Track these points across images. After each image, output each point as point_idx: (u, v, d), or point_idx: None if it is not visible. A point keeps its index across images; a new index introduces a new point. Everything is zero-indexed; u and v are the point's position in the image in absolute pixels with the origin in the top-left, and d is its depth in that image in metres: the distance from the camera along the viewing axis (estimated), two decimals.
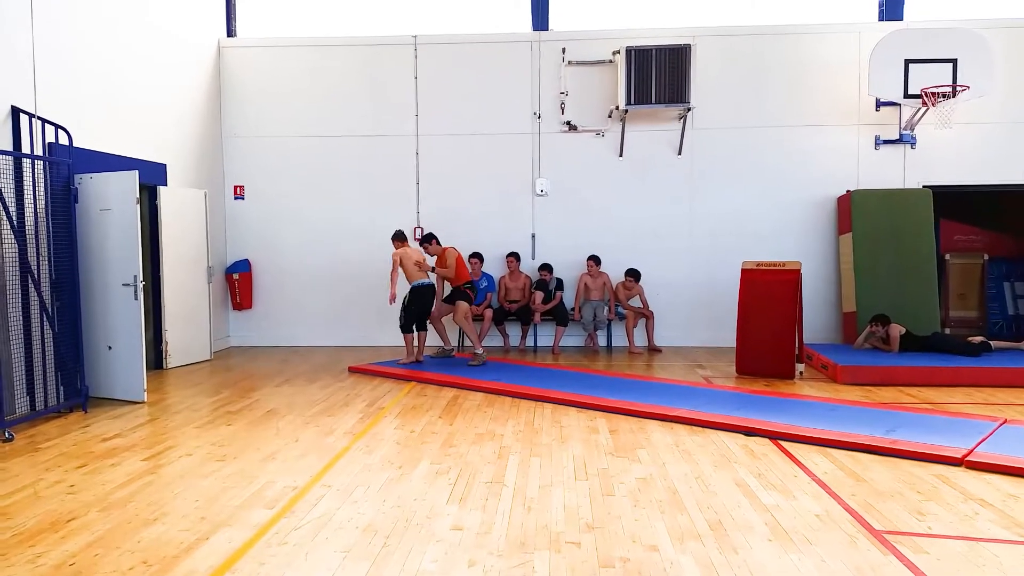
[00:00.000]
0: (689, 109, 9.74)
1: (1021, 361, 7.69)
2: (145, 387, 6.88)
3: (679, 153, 10.14)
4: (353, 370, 8.45)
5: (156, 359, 8.68)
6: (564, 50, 10.18)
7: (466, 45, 10.33)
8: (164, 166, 8.92)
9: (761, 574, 3.24)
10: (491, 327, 10.03)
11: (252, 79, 10.56)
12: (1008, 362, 7.61)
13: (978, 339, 8.15)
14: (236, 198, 10.65)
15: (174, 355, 8.81)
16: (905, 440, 5.18)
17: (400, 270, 8.59)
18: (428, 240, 8.86)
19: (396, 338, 9.99)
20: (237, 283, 10.46)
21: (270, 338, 10.61)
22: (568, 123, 10.26)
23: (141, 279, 6.86)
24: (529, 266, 10.32)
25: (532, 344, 10.25)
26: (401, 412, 6.38)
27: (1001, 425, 5.60)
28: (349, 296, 10.50)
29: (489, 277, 10.14)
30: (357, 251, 10.40)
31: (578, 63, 10.19)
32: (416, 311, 8.65)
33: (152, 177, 8.62)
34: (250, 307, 10.61)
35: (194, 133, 9.85)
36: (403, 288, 8.82)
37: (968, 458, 4.79)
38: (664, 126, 10.12)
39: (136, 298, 6.82)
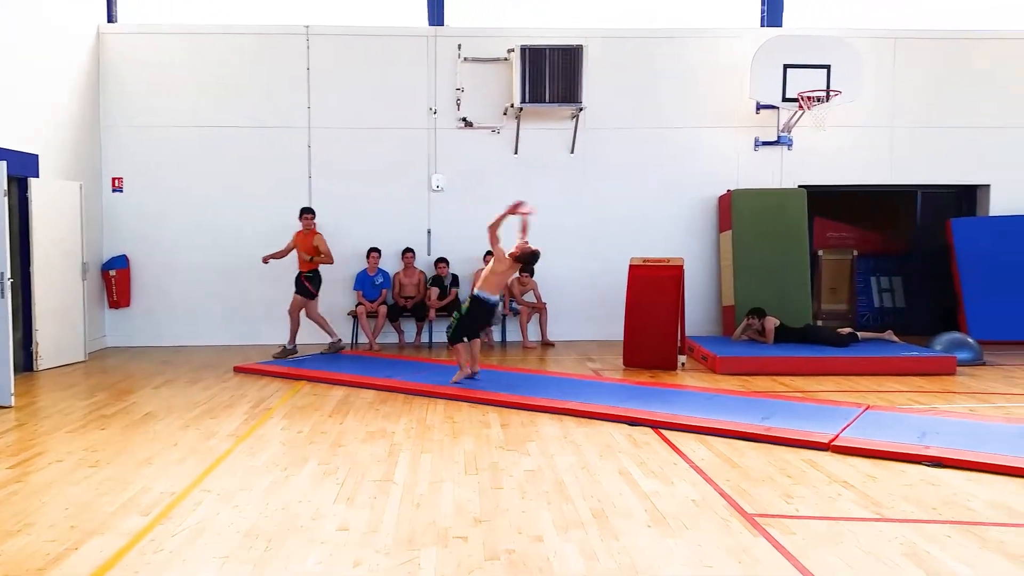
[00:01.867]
0: (581, 109, 9.94)
1: (884, 351, 8.27)
2: (12, 390, 6.46)
3: (572, 152, 10.33)
4: (239, 370, 8.20)
5: (26, 361, 8.16)
6: (460, 46, 10.19)
7: (360, 38, 10.18)
8: (36, 157, 8.38)
9: (640, 559, 3.37)
10: (385, 324, 9.94)
11: (134, 67, 10.06)
12: (872, 352, 8.17)
13: (846, 330, 8.71)
14: (114, 191, 10.13)
15: (45, 356, 8.31)
16: (777, 427, 5.48)
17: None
18: (311, 212, 9.10)
19: (286, 336, 9.74)
20: (114, 280, 9.95)
21: (150, 338, 10.15)
22: (464, 119, 10.28)
23: (9, 276, 6.45)
24: (425, 262, 10.29)
25: (427, 340, 10.23)
26: (289, 412, 6.25)
27: (864, 411, 6.01)
28: (236, 293, 10.15)
29: (384, 273, 10.05)
30: (245, 246, 10.04)
31: (474, 60, 10.22)
32: (471, 323, 7.21)
33: (22, 168, 8.09)
34: (128, 305, 10.12)
35: (70, 122, 9.30)
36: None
37: (834, 443, 5.12)
38: (558, 125, 10.28)
39: (3, 296, 6.39)
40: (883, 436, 5.22)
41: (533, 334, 10.16)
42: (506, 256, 7.14)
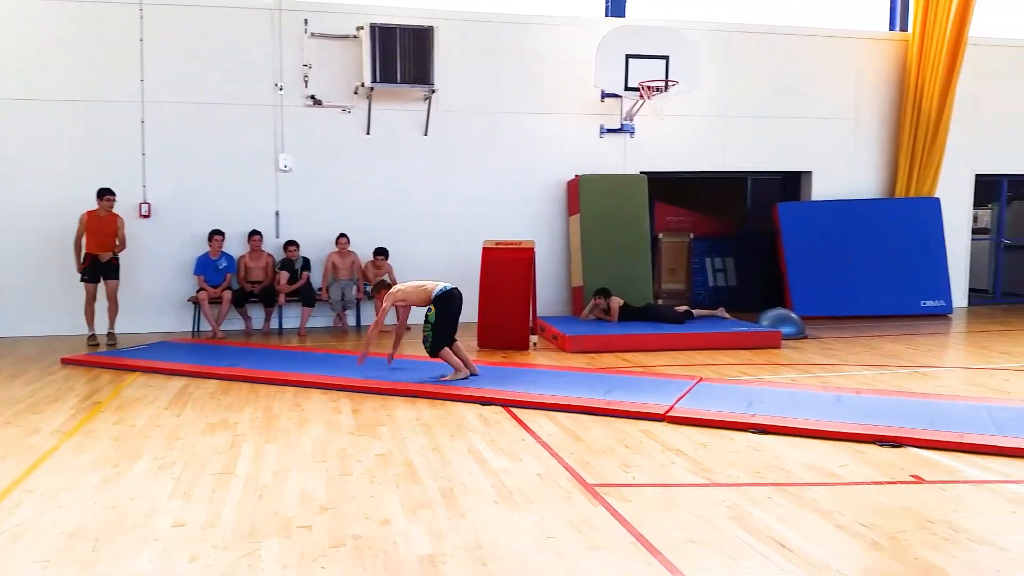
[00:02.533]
0: (434, 91, 9.89)
1: (717, 327, 8.84)
2: None
3: (426, 134, 10.28)
4: (67, 361, 7.62)
5: None
6: (307, 21, 9.86)
7: (199, 8, 9.62)
8: None
9: (485, 535, 3.45)
10: (231, 309, 9.54)
11: None
12: (706, 328, 8.72)
13: (683, 308, 9.24)
14: None
15: None
16: (619, 400, 5.75)
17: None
18: (112, 193, 8.80)
19: (120, 325, 9.15)
20: None
21: None
22: (312, 97, 9.98)
23: None
24: (274, 245, 9.94)
25: (277, 327, 9.91)
26: (121, 406, 5.88)
27: (697, 383, 6.41)
28: (63, 279, 9.36)
29: (228, 257, 9.61)
30: (71, 228, 9.28)
31: (321, 36, 9.92)
32: (446, 327, 6.62)
33: None
34: None
35: None
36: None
37: (669, 414, 5.43)
38: (411, 106, 10.19)
39: None
40: (714, 406, 5.60)
41: (389, 317, 10.04)
42: (399, 291, 6.89)
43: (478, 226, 10.25)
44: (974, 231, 12.25)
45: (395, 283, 9.88)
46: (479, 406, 5.82)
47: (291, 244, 9.70)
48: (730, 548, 3.33)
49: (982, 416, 5.29)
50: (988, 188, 12.29)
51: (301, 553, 3.26)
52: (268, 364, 7.27)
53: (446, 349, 6.56)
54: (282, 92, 9.92)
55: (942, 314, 10.81)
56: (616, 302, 9.18)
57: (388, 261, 9.90)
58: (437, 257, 10.33)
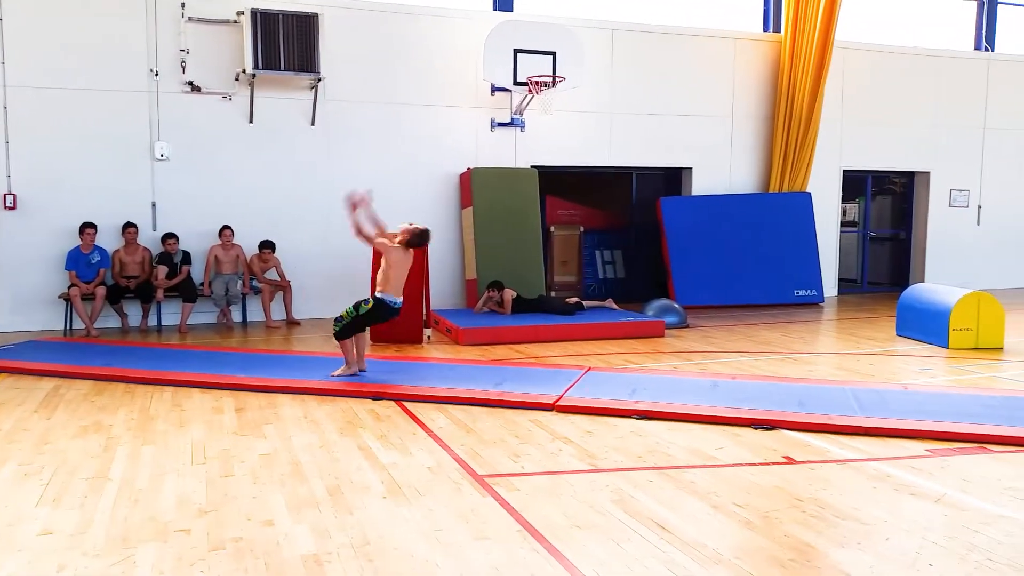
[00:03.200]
0: (320, 79, 9.67)
1: (606, 317, 9.08)
2: None
3: (313, 123, 10.03)
4: None
5: None
6: (183, 4, 9.42)
7: None
8: None
9: (372, 531, 3.43)
10: (105, 306, 9.04)
11: None
12: (596, 318, 8.94)
13: (574, 300, 9.44)
14: None
15: None
16: (510, 391, 5.82)
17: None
18: None
19: None
20: None
21: None
22: (191, 83, 9.56)
23: None
24: (151, 238, 9.48)
25: (156, 324, 9.47)
26: None
27: (586, 372, 6.57)
28: None
29: (102, 251, 9.10)
30: None
31: (199, 20, 9.51)
32: (365, 322, 6.46)
33: None
34: None
35: None
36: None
37: (558, 403, 5.54)
38: (296, 95, 9.92)
39: None
40: (600, 394, 5.75)
41: (277, 313, 9.80)
42: (394, 244, 6.45)
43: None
44: (842, 224, 13.07)
45: (283, 278, 9.68)
46: (371, 401, 5.77)
47: (170, 237, 9.28)
48: (613, 532, 3.44)
49: (848, 399, 5.66)
50: (855, 183, 13.13)
51: (178, 558, 3.14)
52: (145, 363, 6.95)
53: (349, 340, 6.35)
54: (158, 78, 9.46)
55: (814, 303, 11.48)
56: (509, 294, 9.27)
57: (276, 254, 9.64)
58: (328, 250, 10.13)
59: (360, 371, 6.51)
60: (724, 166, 11.99)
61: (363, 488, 3.96)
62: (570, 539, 3.36)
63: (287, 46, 9.33)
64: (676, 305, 9.78)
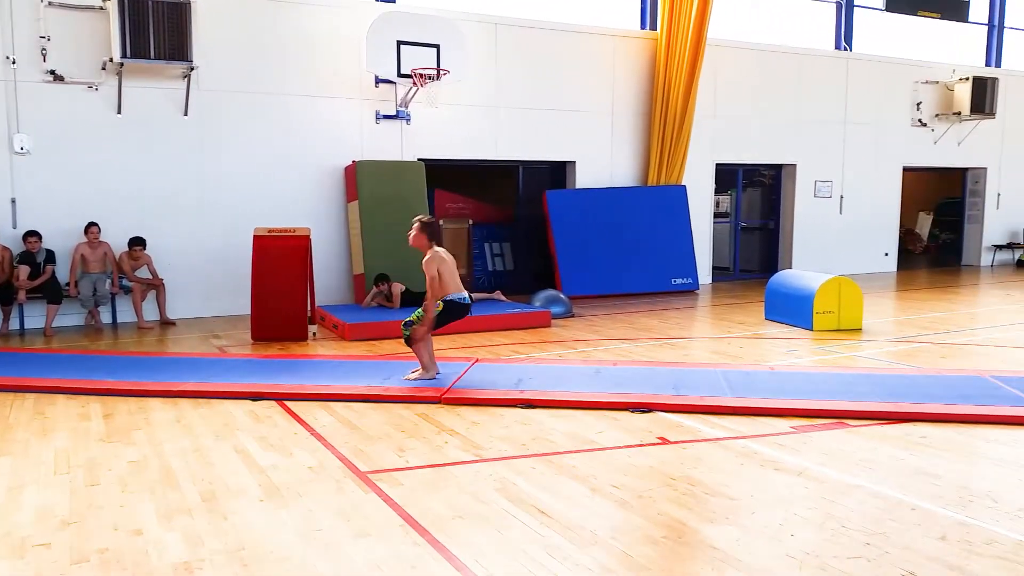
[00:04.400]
0: (193, 68, 9.27)
1: (494, 309, 9.16)
2: None
3: (185, 114, 9.61)
4: None
5: None
6: None
7: None
8: None
9: (248, 535, 3.35)
10: None
11: None
12: (484, 310, 8.99)
13: None
14: None
15: None
16: (396, 387, 5.79)
17: None
18: None
19: None
20: None
21: None
22: (53, 72, 8.97)
23: None
24: (11, 236, 8.85)
25: (19, 327, 8.87)
26: None
27: (473, 364, 6.62)
28: None
29: None
30: None
31: (61, 5, 8.93)
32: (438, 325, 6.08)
33: None
34: None
35: None
36: None
37: (445, 396, 5.56)
38: (168, 84, 9.47)
39: None
40: (487, 385, 5.82)
41: (150, 313, 9.35)
42: (427, 256, 6.04)
43: (248, 213, 9.78)
44: (715, 215, 13.68)
45: (155, 276, 9.24)
46: (249, 402, 5.60)
47: (31, 235, 8.70)
48: (495, 520, 3.50)
49: (719, 381, 5.95)
50: (727, 176, 13.75)
51: (37, 574, 2.97)
52: (6, 369, 6.50)
53: (420, 344, 6.04)
54: (15, 66, 8.83)
55: (690, 290, 11.98)
56: (398, 288, 9.20)
57: (147, 251, 9.19)
58: (203, 247, 9.75)
59: (437, 374, 6.16)
60: (606, 160, 12.29)
61: (239, 492, 3.85)
62: (452, 530, 3.39)
63: (157, 34, 8.89)
64: (562, 295, 9.97)
